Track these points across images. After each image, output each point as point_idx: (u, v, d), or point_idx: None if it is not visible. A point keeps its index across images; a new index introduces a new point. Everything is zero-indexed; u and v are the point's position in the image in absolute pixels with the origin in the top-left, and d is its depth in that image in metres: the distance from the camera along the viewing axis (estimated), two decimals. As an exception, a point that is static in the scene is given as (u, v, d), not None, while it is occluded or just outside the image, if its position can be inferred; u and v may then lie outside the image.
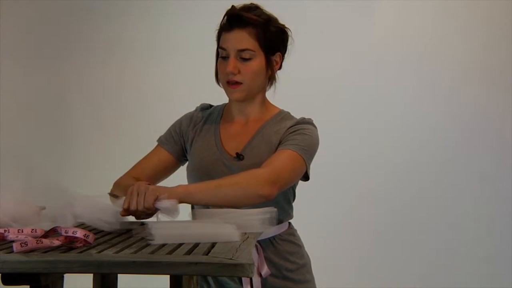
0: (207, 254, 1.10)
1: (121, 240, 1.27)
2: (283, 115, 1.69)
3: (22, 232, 1.29)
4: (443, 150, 3.05)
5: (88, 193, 1.54)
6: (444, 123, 3.13)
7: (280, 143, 1.59)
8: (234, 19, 1.59)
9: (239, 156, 1.62)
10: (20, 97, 3.40)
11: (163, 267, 1.04)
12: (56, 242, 1.16)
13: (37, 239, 1.16)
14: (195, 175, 1.66)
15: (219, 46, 1.63)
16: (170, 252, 1.13)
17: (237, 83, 1.60)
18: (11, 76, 3.38)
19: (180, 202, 1.39)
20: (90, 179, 3.29)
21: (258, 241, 1.55)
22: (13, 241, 1.21)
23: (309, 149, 1.59)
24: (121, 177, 1.75)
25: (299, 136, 1.59)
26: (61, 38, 3.37)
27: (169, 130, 1.79)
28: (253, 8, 1.62)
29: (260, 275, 1.56)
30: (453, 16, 3.17)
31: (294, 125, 1.62)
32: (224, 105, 1.77)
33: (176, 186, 1.43)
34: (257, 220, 1.41)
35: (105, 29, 3.35)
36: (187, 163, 1.75)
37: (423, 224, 3.17)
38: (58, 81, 3.38)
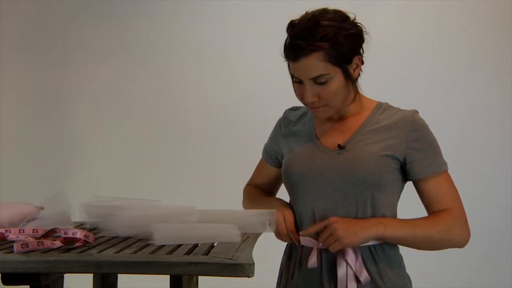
0: (207, 254, 1.10)
1: (121, 240, 1.27)
2: (384, 106, 1.56)
3: (23, 232, 1.30)
4: (443, 149, 3.05)
5: (88, 192, 1.55)
6: (444, 123, 3.13)
7: (407, 153, 1.47)
8: (296, 50, 1.40)
9: (341, 147, 1.49)
10: (20, 97, 3.41)
11: (163, 267, 1.04)
12: (57, 244, 1.16)
13: (38, 240, 1.16)
14: (292, 173, 1.54)
15: (290, 72, 1.47)
16: (170, 252, 1.13)
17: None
18: (11, 76, 3.39)
19: (374, 236, 1.43)
20: (91, 179, 3.31)
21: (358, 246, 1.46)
22: (14, 241, 1.21)
23: (441, 152, 1.53)
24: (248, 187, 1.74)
25: (432, 150, 1.49)
26: (61, 38, 3.37)
27: (268, 142, 1.71)
28: (315, 24, 1.40)
29: (358, 281, 1.44)
30: (454, 16, 3.18)
31: (415, 127, 1.49)
32: None
33: (377, 224, 1.42)
34: (258, 221, 1.41)
35: (105, 29, 3.35)
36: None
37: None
38: (58, 81, 3.38)
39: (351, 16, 1.47)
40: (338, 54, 1.41)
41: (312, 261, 1.46)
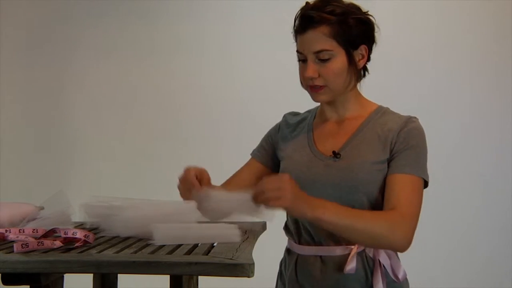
0: (207, 254, 1.10)
1: (121, 240, 1.27)
2: (383, 111, 1.55)
3: (23, 232, 1.30)
4: (443, 150, 3.05)
5: (88, 192, 1.55)
6: (444, 123, 3.13)
7: (392, 152, 1.45)
8: (304, 20, 1.45)
9: (336, 155, 1.49)
10: (20, 97, 3.41)
11: (163, 267, 1.04)
12: (57, 244, 1.16)
13: (38, 240, 1.16)
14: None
15: (296, 50, 1.50)
16: (170, 252, 1.13)
17: (320, 86, 1.47)
18: (11, 75, 3.39)
19: (310, 216, 1.32)
20: (91, 179, 3.30)
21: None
22: (14, 241, 1.21)
23: (426, 163, 1.47)
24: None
25: (416, 155, 1.44)
26: (61, 38, 3.37)
27: (260, 142, 1.71)
28: (326, 2, 1.45)
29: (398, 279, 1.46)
30: (454, 16, 3.18)
31: (405, 130, 1.47)
32: (317, 107, 1.66)
33: (316, 199, 1.34)
34: (252, 207, 1.39)
35: (105, 28, 3.35)
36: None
37: (422, 224, 3.15)
38: (58, 81, 3.38)
39: (365, 9, 1.50)
40: (344, 34, 1.44)
41: (351, 266, 1.42)
